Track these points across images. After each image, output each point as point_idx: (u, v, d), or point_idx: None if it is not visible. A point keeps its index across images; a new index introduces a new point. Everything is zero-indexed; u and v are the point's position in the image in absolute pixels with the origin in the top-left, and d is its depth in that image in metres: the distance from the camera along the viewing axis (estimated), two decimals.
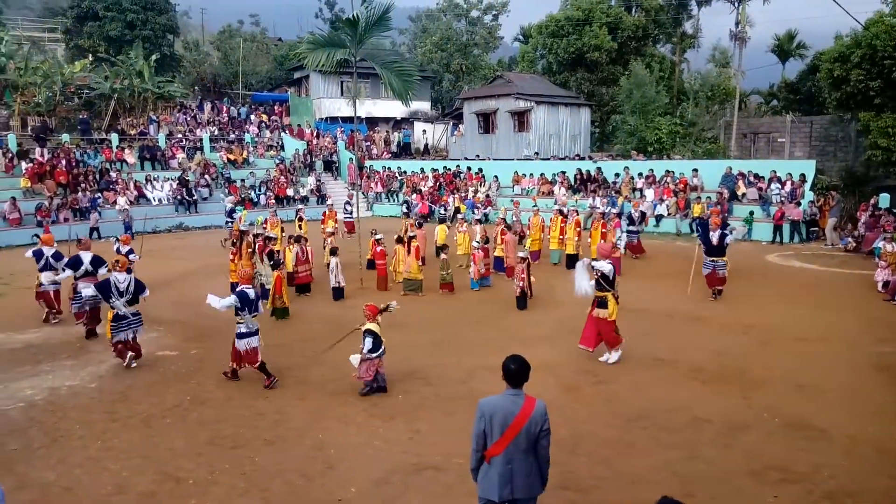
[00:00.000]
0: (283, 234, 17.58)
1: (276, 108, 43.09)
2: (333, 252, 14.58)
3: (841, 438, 7.23)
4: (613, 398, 8.49)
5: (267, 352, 10.54)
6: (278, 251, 14.77)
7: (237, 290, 9.13)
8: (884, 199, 21.07)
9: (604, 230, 17.01)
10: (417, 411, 8.12)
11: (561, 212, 18.28)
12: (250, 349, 9.03)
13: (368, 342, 8.51)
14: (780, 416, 7.82)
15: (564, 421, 7.60)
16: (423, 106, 45.23)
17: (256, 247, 14.30)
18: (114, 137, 31.05)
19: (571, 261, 17.41)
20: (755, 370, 9.44)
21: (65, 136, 30.05)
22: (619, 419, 7.81)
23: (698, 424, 7.62)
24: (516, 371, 4.52)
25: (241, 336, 9.03)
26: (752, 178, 23.90)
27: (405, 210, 27.39)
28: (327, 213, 20.57)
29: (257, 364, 9.07)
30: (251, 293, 9.09)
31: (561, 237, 17.77)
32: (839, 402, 8.26)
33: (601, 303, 9.82)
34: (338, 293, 14.38)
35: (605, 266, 9.65)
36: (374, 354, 8.51)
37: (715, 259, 13.68)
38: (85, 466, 6.83)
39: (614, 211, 20.21)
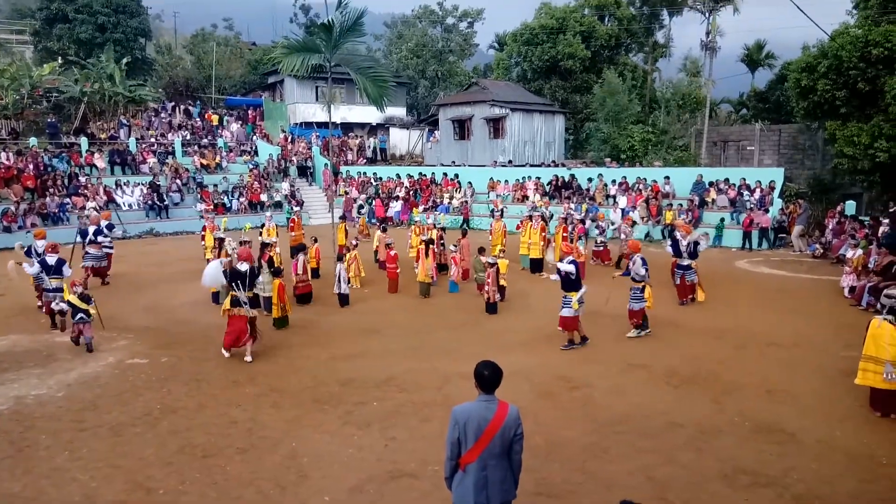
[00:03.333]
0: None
1: (250, 112, 42.71)
2: (340, 258, 14.58)
3: (810, 442, 7.35)
4: (589, 403, 8.54)
5: (242, 359, 10.46)
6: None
7: (39, 258, 12.39)
8: (850, 207, 21.56)
9: (565, 234, 17.41)
10: (393, 418, 8.08)
11: (530, 217, 18.47)
12: (46, 301, 12.22)
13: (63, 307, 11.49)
14: (751, 420, 7.93)
15: (539, 427, 7.62)
16: (399, 112, 45.19)
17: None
18: (83, 141, 30.50)
19: (536, 265, 17.60)
20: (728, 375, 9.57)
21: (32, 140, 29.45)
22: (594, 424, 7.85)
23: (673, 429, 7.69)
24: (489, 377, 4.50)
25: (45, 291, 12.30)
26: (722, 185, 24.28)
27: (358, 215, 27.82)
28: (296, 220, 20.35)
29: (51, 312, 12.17)
30: (50, 260, 12.18)
31: (529, 242, 17.93)
32: (809, 406, 8.40)
33: None
34: (343, 299, 14.32)
35: None
36: (73, 319, 11.03)
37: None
38: (52, 477, 6.67)
39: (577, 216, 20.47)
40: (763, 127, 33.08)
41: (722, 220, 22.53)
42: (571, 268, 10.85)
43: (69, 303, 11.11)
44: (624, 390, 9.00)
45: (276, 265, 13.33)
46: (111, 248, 17.55)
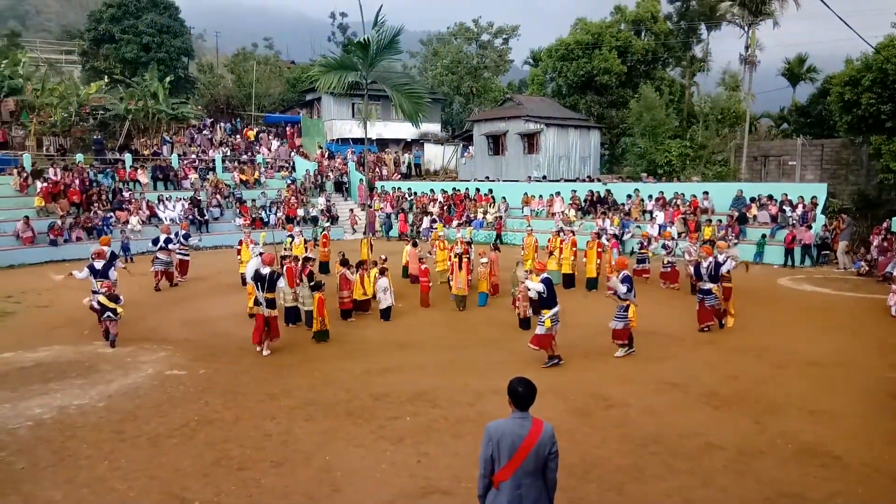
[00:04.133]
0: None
1: (287, 129, 43.47)
2: (382, 272, 14.70)
3: (856, 466, 7.10)
4: (625, 423, 8.39)
5: (278, 372, 10.57)
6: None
7: (88, 264, 13.46)
8: None
9: (599, 250, 17.43)
10: (426, 434, 8.05)
11: (559, 232, 18.38)
12: (91, 303, 13.13)
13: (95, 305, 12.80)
14: (794, 442, 7.70)
15: (574, 446, 7.51)
16: (434, 128, 45.48)
17: (285, 269, 14.23)
18: (127, 158, 31.37)
19: (568, 280, 17.48)
20: (768, 395, 9.32)
21: (79, 156, 30.40)
22: (630, 444, 7.71)
23: (711, 450, 7.51)
24: (523, 394, 4.45)
25: (93, 292, 13.16)
26: (764, 201, 23.80)
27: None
28: (327, 235, 20.51)
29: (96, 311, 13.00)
30: (97, 265, 13.31)
31: (561, 256, 17.89)
32: (854, 428, 8.13)
33: None
34: (385, 313, 14.47)
35: None
36: (101, 317, 12.36)
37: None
38: (92, 486, 6.80)
39: (612, 231, 20.19)
40: (805, 141, 32.43)
41: (763, 236, 22.08)
42: (540, 287, 10.70)
43: (99, 302, 12.40)
44: (660, 410, 8.83)
45: (315, 280, 13.48)
46: (187, 255, 19.66)
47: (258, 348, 11.71)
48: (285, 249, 18.70)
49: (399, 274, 18.40)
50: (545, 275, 11.03)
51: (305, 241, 19.84)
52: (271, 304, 11.75)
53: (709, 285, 12.98)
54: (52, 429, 8.28)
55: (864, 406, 8.89)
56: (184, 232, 20.06)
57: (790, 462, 7.21)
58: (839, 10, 12.29)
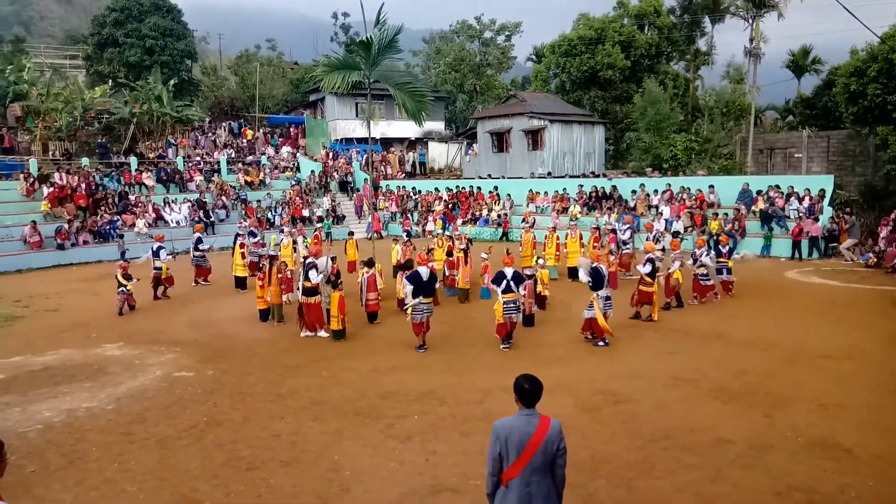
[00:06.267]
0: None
1: (291, 130, 43.51)
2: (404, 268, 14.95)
3: (867, 458, 7.05)
4: (633, 418, 8.36)
5: (286, 372, 10.58)
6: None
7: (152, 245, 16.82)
8: None
9: (596, 244, 17.67)
10: (433, 432, 8.04)
11: (555, 228, 18.55)
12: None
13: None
14: (804, 435, 7.65)
15: (583, 442, 7.49)
16: (437, 126, 45.43)
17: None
18: (133, 161, 31.46)
19: (573, 273, 17.65)
20: (778, 389, 9.26)
21: (85, 160, 30.50)
22: (639, 440, 7.68)
23: (721, 445, 7.47)
24: (530, 390, 4.43)
25: (154, 268, 16.63)
26: (772, 193, 23.64)
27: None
28: (318, 235, 20.38)
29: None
30: (154, 247, 16.69)
31: (557, 253, 18.24)
32: (864, 420, 8.07)
33: None
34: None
35: None
36: (117, 291, 15.05)
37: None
38: (101, 489, 6.82)
39: (611, 226, 20.29)
40: (811, 133, 32.24)
41: (770, 228, 21.95)
42: (408, 289, 11.59)
43: (116, 279, 15.02)
44: (669, 405, 8.79)
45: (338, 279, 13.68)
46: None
47: (308, 333, 12.83)
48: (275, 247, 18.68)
49: (389, 273, 18.14)
50: (421, 269, 12.00)
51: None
52: (306, 292, 12.77)
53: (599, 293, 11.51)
54: (62, 432, 8.31)
55: (875, 398, 8.84)
56: (250, 229, 21.27)
57: (800, 455, 7.17)
58: (844, 0, 12.18)
